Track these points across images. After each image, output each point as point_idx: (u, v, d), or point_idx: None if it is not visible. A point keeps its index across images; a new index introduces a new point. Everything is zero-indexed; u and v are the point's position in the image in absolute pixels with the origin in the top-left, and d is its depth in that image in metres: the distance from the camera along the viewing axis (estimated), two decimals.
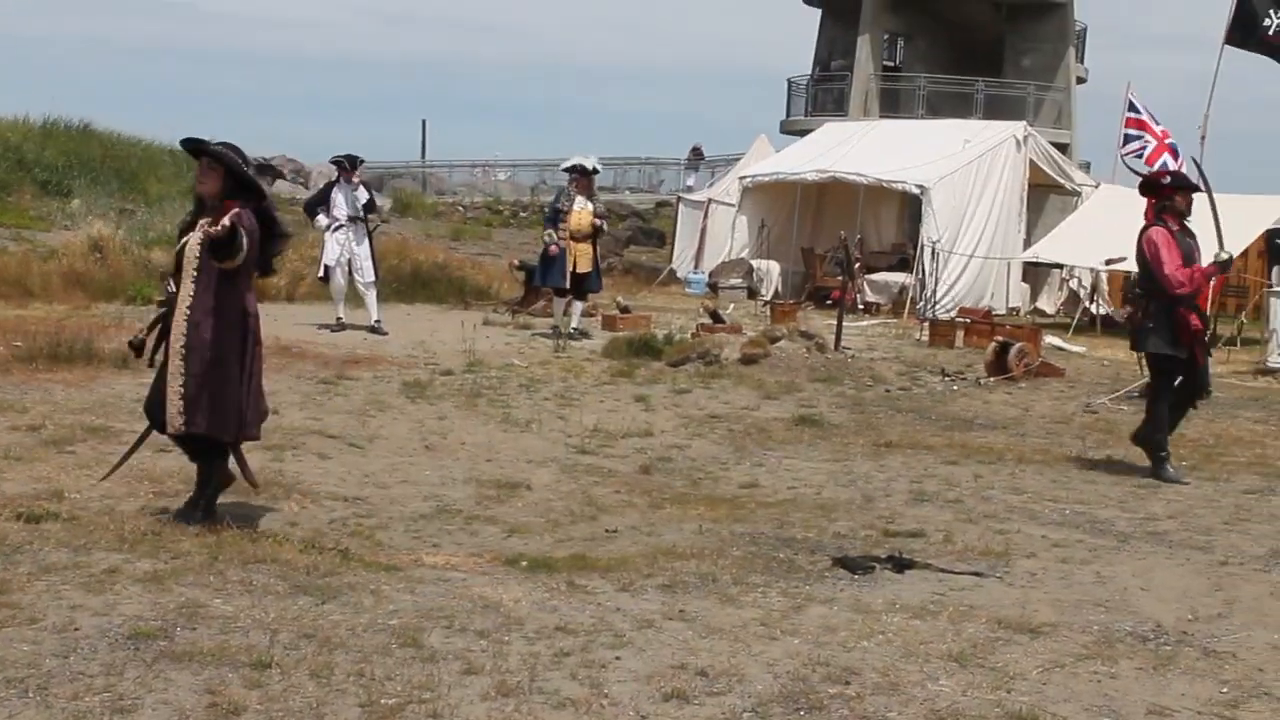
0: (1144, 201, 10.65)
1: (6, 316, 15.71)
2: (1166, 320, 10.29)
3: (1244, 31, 23.67)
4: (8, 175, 28.07)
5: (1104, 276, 23.95)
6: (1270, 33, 23.37)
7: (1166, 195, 10.49)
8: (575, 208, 17.53)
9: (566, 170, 18.23)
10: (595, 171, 18.16)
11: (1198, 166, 12.31)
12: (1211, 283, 13.94)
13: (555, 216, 17.71)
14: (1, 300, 17.17)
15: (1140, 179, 11.57)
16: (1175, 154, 26.55)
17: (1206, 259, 10.59)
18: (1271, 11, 23.26)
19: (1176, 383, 10.56)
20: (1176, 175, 11.54)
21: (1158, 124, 26.69)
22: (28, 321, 15.30)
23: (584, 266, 17.59)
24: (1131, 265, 21.42)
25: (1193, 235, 10.47)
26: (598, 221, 17.72)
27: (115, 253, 19.88)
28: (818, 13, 43.36)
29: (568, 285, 17.62)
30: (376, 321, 17.12)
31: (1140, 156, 26.87)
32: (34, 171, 28.87)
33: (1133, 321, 11.64)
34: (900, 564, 7.29)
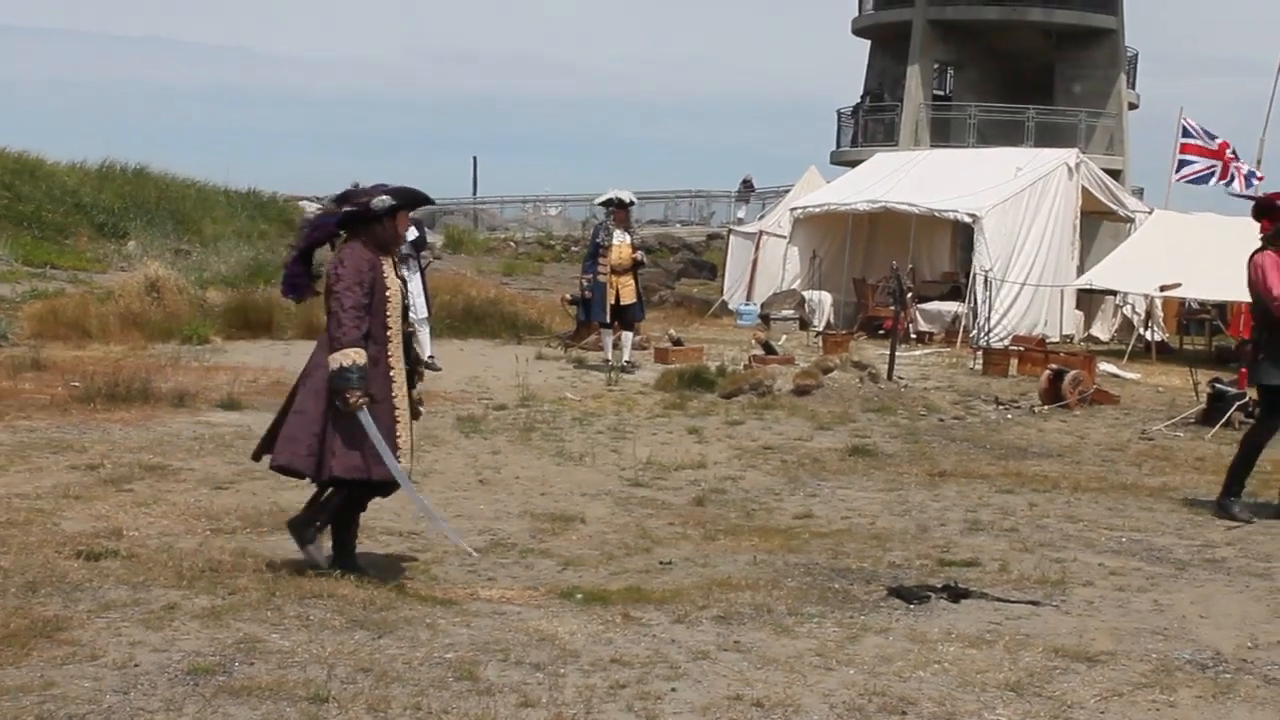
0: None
1: (65, 357, 15.88)
2: (1278, 349, 9.60)
3: None
4: (65, 218, 28.44)
5: (1158, 303, 23.77)
6: None
7: None
8: (615, 241, 17.61)
9: (603, 204, 18.35)
10: (631, 204, 18.26)
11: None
12: None
13: (595, 251, 17.82)
14: (60, 341, 17.37)
15: (1254, 201, 10.15)
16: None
17: None
18: None
19: None
20: None
21: (1213, 139, 26.42)
22: (85, 362, 15.46)
23: (627, 298, 17.66)
24: (1186, 292, 21.60)
25: None
26: (637, 254, 17.80)
27: (171, 293, 20.04)
28: (867, 44, 43.43)
29: (608, 319, 17.71)
30: (430, 357, 17.18)
31: (1207, 181, 26.59)
32: (91, 214, 29.23)
33: (1245, 353, 10.87)
34: (956, 593, 7.26)
